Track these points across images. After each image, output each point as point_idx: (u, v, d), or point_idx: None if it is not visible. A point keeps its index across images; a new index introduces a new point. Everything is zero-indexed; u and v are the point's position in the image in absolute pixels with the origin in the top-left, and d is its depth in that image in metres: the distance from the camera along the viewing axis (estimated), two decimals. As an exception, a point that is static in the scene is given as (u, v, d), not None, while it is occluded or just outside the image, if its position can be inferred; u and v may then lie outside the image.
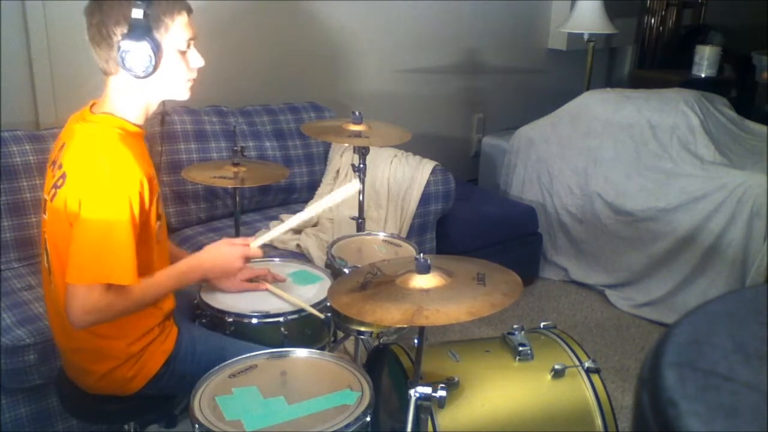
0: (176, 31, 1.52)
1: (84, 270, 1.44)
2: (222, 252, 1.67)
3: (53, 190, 1.50)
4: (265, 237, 1.75)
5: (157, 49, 1.47)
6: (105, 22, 1.46)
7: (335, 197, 1.76)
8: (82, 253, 1.44)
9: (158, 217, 1.60)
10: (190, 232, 2.82)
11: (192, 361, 1.66)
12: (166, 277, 1.58)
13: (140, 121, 1.58)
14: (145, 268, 1.54)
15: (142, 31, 1.45)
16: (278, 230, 1.78)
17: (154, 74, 1.49)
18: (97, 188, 1.44)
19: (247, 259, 1.69)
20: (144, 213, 1.49)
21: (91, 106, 1.58)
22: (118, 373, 1.61)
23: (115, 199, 1.43)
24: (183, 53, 1.55)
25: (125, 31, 1.45)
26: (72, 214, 1.45)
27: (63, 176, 1.48)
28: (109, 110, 1.54)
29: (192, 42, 1.57)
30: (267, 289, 1.84)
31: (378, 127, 2.27)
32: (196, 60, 1.59)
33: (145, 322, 1.61)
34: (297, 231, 2.80)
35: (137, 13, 1.44)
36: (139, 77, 1.48)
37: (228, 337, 1.72)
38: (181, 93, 1.59)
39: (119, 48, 1.45)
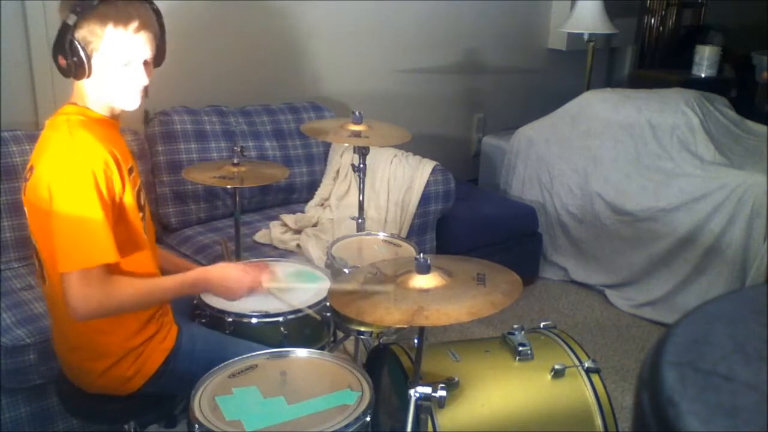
0: (112, 44, 1.50)
1: (70, 256, 1.44)
2: (233, 274, 1.69)
3: (23, 184, 1.54)
4: (279, 285, 1.80)
5: (83, 56, 1.48)
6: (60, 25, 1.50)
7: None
8: (64, 240, 1.44)
9: (140, 209, 1.61)
10: (190, 232, 2.82)
11: (192, 360, 1.66)
12: (171, 281, 1.60)
13: (104, 112, 1.58)
14: (132, 250, 1.54)
15: (64, 37, 1.48)
16: (286, 285, 1.84)
17: (90, 79, 1.51)
18: (61, 171, 1.44)
19: (253, 290, 1.71)
20: (112, 192, 1.49)
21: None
22: (117, 371, 1.61)
23: (79, 179, 1.43)
24: (126, 66, 1.54)
25: (60, 35, 1.48)
26: (44, 202, 1.46)
27: (31, 168, 1.51)
28: (72, 101, 1.57)
29: (137, 61, 1.54)
30: (267, 290, 1.84)
31: (378, 127, 2.27)
32: (138, 79, 1.56)
33: (141, 316, 1.61)
34: (297, 231, 2.80)
35: (71, 20, 1.47)
36: (70, 78, 1.51)
37: (228, 336, 1.72)
38: (126, 103, 1.59)
39: (56, 51, 1.49)
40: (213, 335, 1.74)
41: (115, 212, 1.51)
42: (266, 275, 1.75)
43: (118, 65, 1.52)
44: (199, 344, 1.69)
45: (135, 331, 1.61)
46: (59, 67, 1.51)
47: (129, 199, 1.55)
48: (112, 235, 1.46)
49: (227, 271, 1.69)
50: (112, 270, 1.49)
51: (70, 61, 1.48)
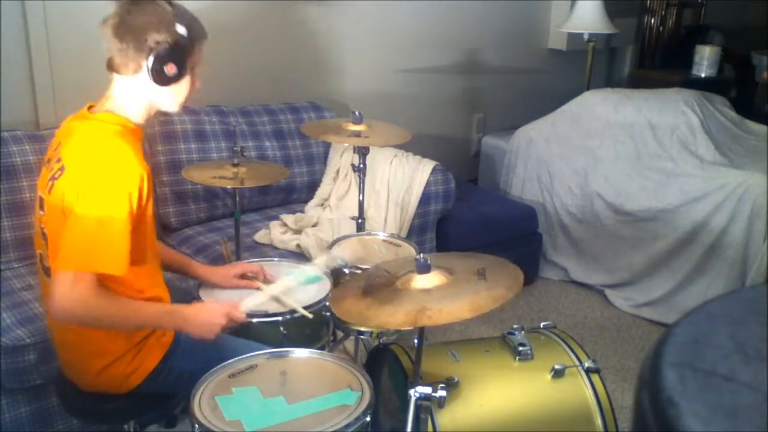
0: (198, 54, 1.61)
1: (76, 257, 1.43)
2: (207, 307, 1.66)
3: (50, 182, 1.52)
4: (251, 303, 1.70)
5: (186, 65, 1.57)
6: (143, 25, 1.50)
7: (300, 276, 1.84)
8: (77, 241, 1.44)
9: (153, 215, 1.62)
10: (190, 232, 2.82)
11: (191, 359, 1.65)
12: (153, 310, 1.58)
13: (141, 120, 1.62)
14: (138, 259, 1.54)
15: (182, 47, 1.54)
16: (264, 296, 1.76)
17: (169, 86, 1.56)
18: (97, 181, 1.45)
19: (230, 320, 1.63)
20: (141, 208, 1.50)
21: (89, 108, 1.61)
22: (116, 368, 1.60)
23: (115, 192, 1.44)
24: (192, 74, 1.62)
25: (162, 39, 1.51)
26: (68, 205, 1.46)
27: (62, 168, 1.50)
28: (110, 108, 1.57)
29: (199, 66, 1.64)
30: (258, 288, 1.84)
31: (378, 127, 2.27)
32: (198, 84, 1.66)
33: None
34: (297, 231, 2.80)
35: (182, 30, 1.53)
36: (158, 84, 1.54)
37: (227, 335, 1.72)
38: (176, 107, 1.65)
39: (156, 55, 1.51)
40: None
41: (138, 225, 1.51)
42: (236, 309, 1.65)
43: (192, 69, 1.61)
44: (197, 342, 1.69)
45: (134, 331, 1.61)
46: (160, 73, 1.53)
47: (150, 211, 1.56)
48: (128, 251, 1.46)
49: (201, 306, 1.66)
50: (103, 281, 1.48)
51: (174, 70, 1.54)
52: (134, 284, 1.57)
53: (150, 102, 1.60)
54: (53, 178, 1.51)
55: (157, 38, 1.50)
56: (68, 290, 1.42)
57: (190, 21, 1.58)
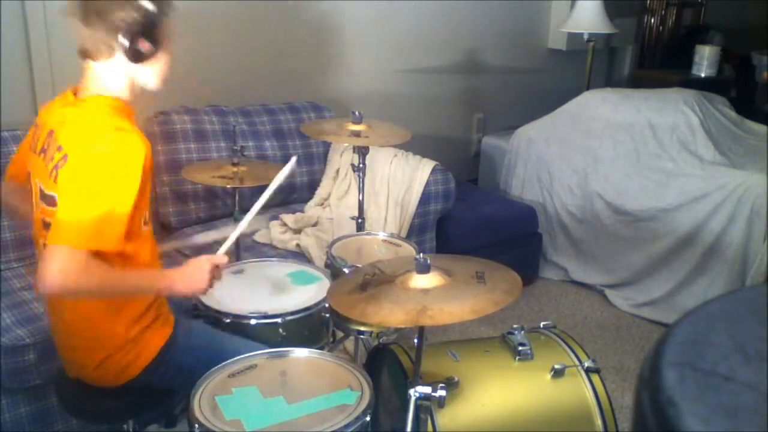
0: (168, 23, 1.57)
1: (76, 234, 1.41)
2: (190, 263, 1.62)
3: (54, 172, 1.50)
4: (226, 244, 1.69)
5: (160, 38, 1.54)
6: (105, 8, 1.48)
7: (277, 180, 1.80)
8: (79, 218, 1.42)
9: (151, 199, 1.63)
10: (189, 231, 2.82)
11: (189, 353, 1.65)
12: (136, 273, 1.57)
13: (130, 98, 1.60)
14: (132, 234, 1.52)
15: (152, 20, 1.51)
16: (236, 232, 1.73)
17: (147, 63, 1.54)
18: (104, 160, 1.44)
19: (216, 267, 1.61)
20: (143, 183, 1.49)
21: (75, 92, 1.59)
22: (115, 359, 1.60)
23: (122, 171, 1.44)
24: (166, 48, 1.59)
25: (129, 17, 1.48)
26: (71, 183, 1.45)
27: (65, 157, 1.48)
28: (97, 93, 1.56)
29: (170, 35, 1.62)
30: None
31: (378, 126, 2.27)
32: (171, 53, 1.63)
33: (140, 305, 1.61)
34: (297, 231, 2.80)
35: (147, 4, 1.49)
36: (135, 63, 1.52)
37: (227, 333, 1.72)
38: (159, 83, 1.63)
39: (125, 33, 1.48)
40: (210, 330, 1.74)
41: (139, 201, 1.50)
42: (215, 256, 1.65)
43: (168, 44, 1.58)
44: (196, 338, 1.69)
45: (134, 319, 1.60)
46: (134, 52, 1.50)
47: (149, 186, 1.55)
48: (125, 228, 1.45)
49: (186, 268, 1.62)
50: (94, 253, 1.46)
51: (147, 46, 1.51)
52: (128, 257, 1.55)
53: (132, 82, 1.58)
54: (57, 167, 1.50)
55: (122, 16, 1.47)
56: (61, 265, 1.40)
57: None
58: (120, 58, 1.52)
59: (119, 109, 1.55)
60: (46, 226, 1.55)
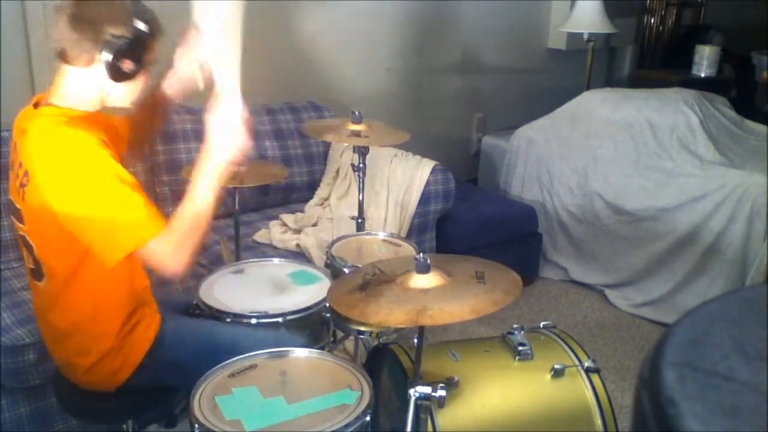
0: (155, 50, 1.56)
1: (126, 239, 1.42)
2: (211, 132, 1.56)
3: (21, 189, 1.49)
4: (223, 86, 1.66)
5: (143, 62, 1.53)
6: (101, 18, 1.46)
7: None
8: (113, 224, 1.42)
9: None
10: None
11: (179, 349, 1.65)
12: (191, 196, 1.50)
13: (90, 109, 1.56)
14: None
15: (141, 43, 1.50)
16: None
17: (123, 83, 1.53)
18: (80, 168, 1.42)
19: (238, 116, 1.62)
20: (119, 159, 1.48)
21: (35, 104, 1.57)
22: (103, 365, 1.61)
23: (100, 170, 1.42)
24: (146, 71, 1.57)
25: (120, 33, 1.46)
26: (51, 203, 1.43)
27: (26, 174, 1.47)
28: (53, 101, 1.53)
29: (153, 64, 1.59)
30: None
31: (377, 127, 2.27)
32: (149, 79, 1.60)
33: (123, 310, 1.60)
34: (297, 231, 2.80)
35: (141, 26, 1.49)
36: (112, 80, 1.50)
37: (216, 323, 1.73)
38: (128, 103, 1.61)
39: (113, 50, 1.46)
40: (200, 323, 1.74)
41: None
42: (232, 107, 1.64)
43: (148, 66, 1.56)
44: (185, 333, 1.69)
45: (120, 324, 1.60)
46: (116, 69, 1.48)
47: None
48: (149, 206, 1.44)
49: (220, 144, 1.56)
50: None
51: (130, 66, 1.50)
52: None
53: (101, 95, 1.55)
54: (22, 185, 1.49)
55: (113, 32, 1.46)
56: (161, 258, 1.44)
57: (150, 17, 1.53)
58: (97, 70, 1.49)
59: (72, 118, 1.50)
60: (27, 246, 1.57)
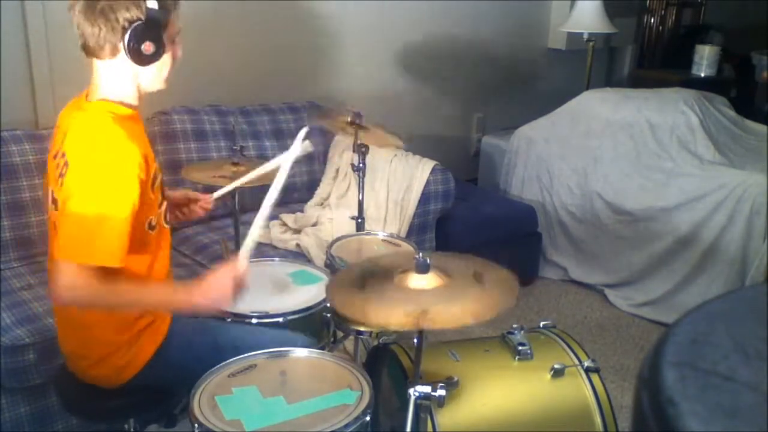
0: (174, 25, 1.54)
1: (75, 249, 1.42)
2: (211, 279, 1.54)
3: (60, 179, 1.50)
4: (246, 246, 1.59)
5: (164, 40, 1.50)
6: (111, 5, 1.45)
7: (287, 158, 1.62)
8: (76, 233, 1.42)
9: (160, 204, 1.61)
10: (190, 231, 2.82)
11: (187, 351, 1.65)
12: (153, 291, 1.57)
13: (135, 102, 1.57)
14: (137, 248, 1.52)
15: (157, 22, 1.47)
16: (256, 230, 1.60)
17: (151, 65, 1.51)
18: (97, 173, 1.43)
19: (236, 278, 1.53)
20: (142, 193, 1.48)
21: (87, 95, 1.58)
22: (111, 360, 1.60)
23: (114, 185, 1.43)
24: (172, 45, 1.56)
25: (134, 17, 1.45)
26: (70, 195, 1.44)
27: (66, 164, 1.48)
28: (102, 96, 1.54)
29: (179, 34, 1.58)
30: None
31: (373, 131, 2.25)
32: (180, 52, 1.59)
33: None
34: (297, 231, 2.80)
35: (153, 4, 1.46)
36: (138, 65, 1.49)
37: (220, 322, 1.73)
38: (161, 83, 1.60)
39: (129, 34, 1.45)
40: (203, 323, 1.73)
41: (139, 211, 1.49)
42: (235, 267, 1.56)
43: (172, 41, 1.54)
44: (190, 333, 1.69)
45: (130, 322, 1.60)
46: (138, 53, 1.47)
47: (148, 193, 1.53)
48: (126, 242, 1.44)
49: (208, 287, 1.54)
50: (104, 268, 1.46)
51: (151, 48, 1.47)
52: (135, 273, 1.55)
53: (136, 82, 1.55)
54: (61, 175, 1.49)
55: (127, 16, 1.45)
56: (71, 280, 1.41)
57: None
58: (124, 58, 1.49)
59: (122, 116, 1.52)
60: (57, 229, 1.56)
